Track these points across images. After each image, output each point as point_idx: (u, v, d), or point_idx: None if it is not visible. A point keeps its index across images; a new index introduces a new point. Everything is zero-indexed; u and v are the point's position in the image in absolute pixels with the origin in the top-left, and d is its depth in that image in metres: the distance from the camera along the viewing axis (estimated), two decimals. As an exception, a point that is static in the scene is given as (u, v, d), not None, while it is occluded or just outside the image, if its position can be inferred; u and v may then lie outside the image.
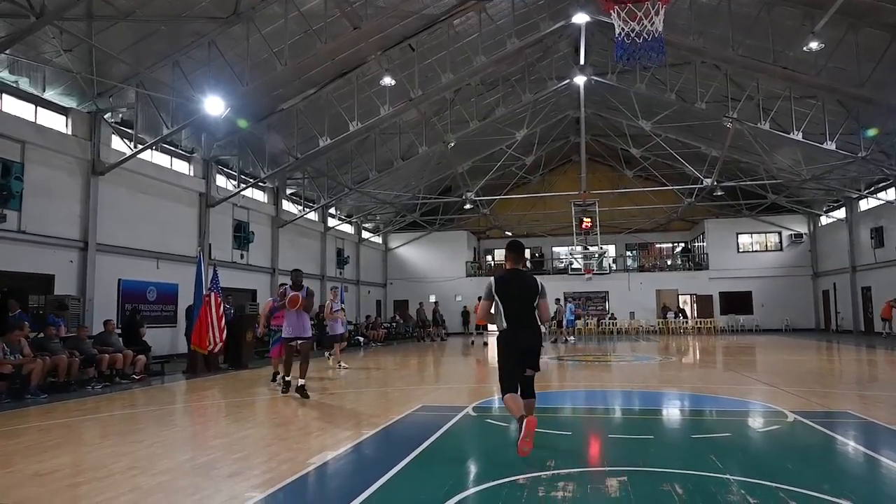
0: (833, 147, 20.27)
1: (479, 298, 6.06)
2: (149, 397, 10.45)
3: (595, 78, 23.54)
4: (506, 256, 5.94)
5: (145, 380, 12.44)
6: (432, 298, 32.93)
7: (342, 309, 15.31)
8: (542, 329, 5.80)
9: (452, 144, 24.19)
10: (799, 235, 33.22)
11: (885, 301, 24.63)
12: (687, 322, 32.94)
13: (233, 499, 4.32)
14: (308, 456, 5.52)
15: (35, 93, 14.13)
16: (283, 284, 10.90)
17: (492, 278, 5.72)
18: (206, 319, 13.08)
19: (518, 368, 5.51)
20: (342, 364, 14.32)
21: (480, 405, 8.44)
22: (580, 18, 19.28)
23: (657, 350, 19.87)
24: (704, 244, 35.38)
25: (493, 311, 5.62)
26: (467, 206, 32.45)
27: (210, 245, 19.48)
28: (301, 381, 9.24)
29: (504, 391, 5.49)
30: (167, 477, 4.92)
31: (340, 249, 30.69)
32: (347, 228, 32.20)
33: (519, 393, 5.45)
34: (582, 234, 28.08)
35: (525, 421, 5.03)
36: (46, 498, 4.41)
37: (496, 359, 5.79)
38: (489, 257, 40.27)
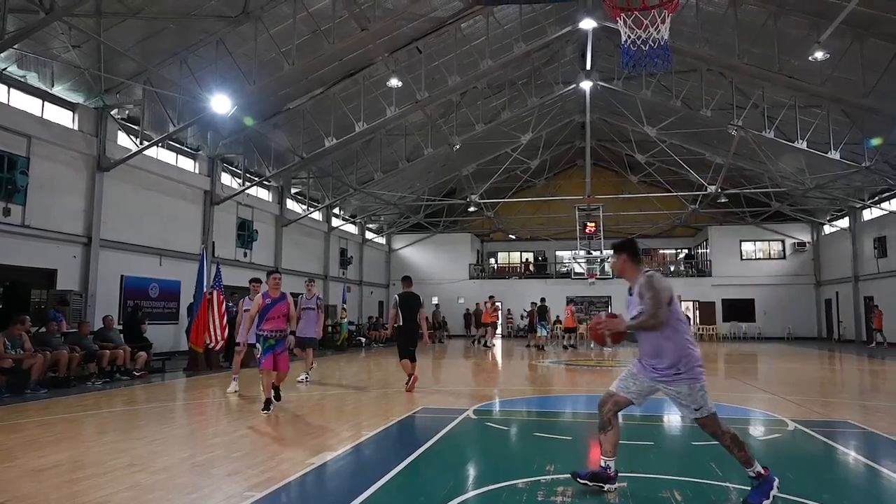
0: (837, 156, 20.25)
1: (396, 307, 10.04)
2: (149, 394, 10.47)
3: (601, 83, 23.54)
4: (402, 285, 10.28)
5: (146, 376, 12.45)
6: (434, 300, 32.92)
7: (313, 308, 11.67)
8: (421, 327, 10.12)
9: (458, 147, 24.21)
10: (802, 244, 33.15)
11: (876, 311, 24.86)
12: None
13: (231, 498, 4.32)
14: (307, 456, 5.52)
15: (43, 88, 14.19)
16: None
17: (396, 295, 10.08)
18: (204, 317, 13.11)
19: (407, 346, 10.03)
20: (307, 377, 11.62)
21: (481, 408, 8.44)
22: (587, 24, 19.27)
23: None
24: (707, 251, 35.31)
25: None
26: (471, 209, 32.54)
27: (213, 243, 19.56)
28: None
29: (401, 357, 10.12)
30: (166, 474, 4.93)
31: (344, 249, 30.72)
32: (351, 229, 32.22)
33: (409, 360, 10.03)
34: (585, 238, 28.09)
35: (412, 377, 10.01)
36: (46, 493, 4.42)
37: (396, 340, 10.31)
38: (492, 260, 40.25)
